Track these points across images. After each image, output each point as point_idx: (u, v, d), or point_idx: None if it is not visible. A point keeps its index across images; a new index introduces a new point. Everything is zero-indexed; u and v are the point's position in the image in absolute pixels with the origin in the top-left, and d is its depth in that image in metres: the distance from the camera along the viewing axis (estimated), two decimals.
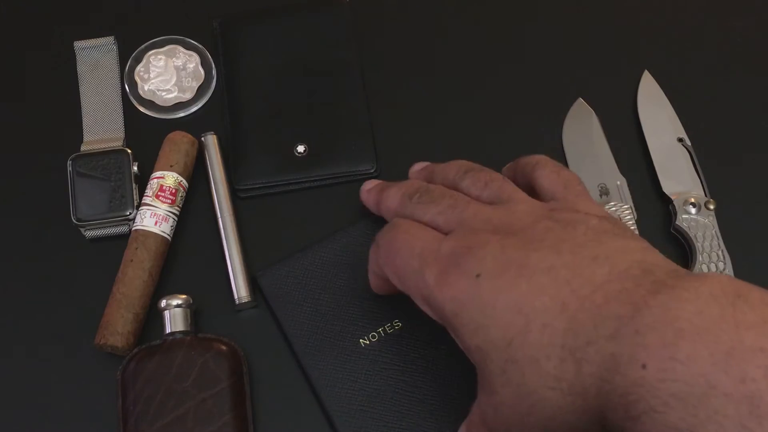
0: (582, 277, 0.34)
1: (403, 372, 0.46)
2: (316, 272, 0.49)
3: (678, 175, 0.52)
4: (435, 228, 0.40)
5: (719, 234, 0.50)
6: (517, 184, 0.43)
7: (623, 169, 0.53)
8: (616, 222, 0.38)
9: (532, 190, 0.43)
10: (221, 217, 0.51)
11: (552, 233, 0.36)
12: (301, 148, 0.53)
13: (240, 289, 0.49)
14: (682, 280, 0.32)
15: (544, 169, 0.42)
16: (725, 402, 0.29)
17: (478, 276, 0.36)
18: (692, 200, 0.51)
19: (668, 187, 0.52)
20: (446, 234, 0.39)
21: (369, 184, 0.49)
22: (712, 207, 0.50)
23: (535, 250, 0.36)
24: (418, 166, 0.49)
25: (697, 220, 0.50)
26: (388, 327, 0.47)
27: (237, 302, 0.49)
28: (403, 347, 0.47)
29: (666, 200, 0.52)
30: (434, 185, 0.43)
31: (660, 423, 0.30)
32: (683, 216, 0.50)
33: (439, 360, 0.46)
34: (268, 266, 0.49)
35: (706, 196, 0.51)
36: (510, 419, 0.36)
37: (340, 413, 0.45)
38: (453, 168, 0.44)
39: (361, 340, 0.47)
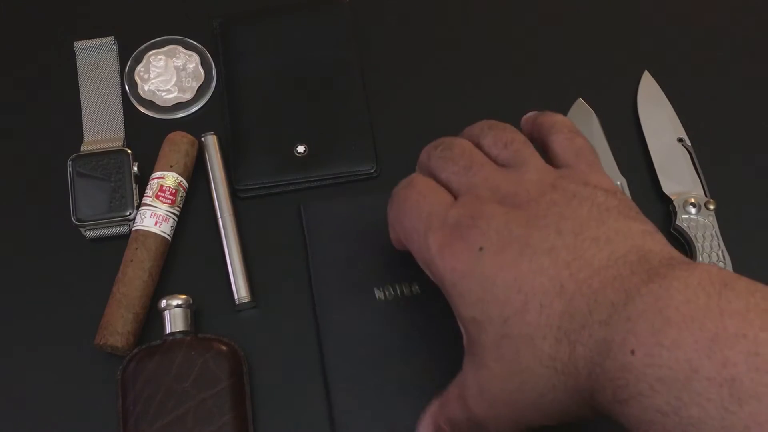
0: (581, 260, 0.35)
1: (408, 337, 0.47)
2: (358, 219, 0.50)
3: (678, 175, 0.52)
4: (447, 188, 0.41)
5: (719, 234, 0.50)
6: (533, 140, 0.43)
7: (623, 169, 0.53)
8: (623, 198, 0.38)
9: (546, 151, 0.42)
10: (221, 217, 0.51)
11: (556, 208, 0.37)
12: (301, 148, 0.53)
13: (240, 289, 0.49)
14: (674, 269, 0.33)
15: (558, 134, 0.42)
16: (707, 385, 0.29)
17: (480, 249, 0.36)
18: (692, 200, 0.51)
19: (668, 187, 0.52)
20: (456, 197, 0.40)
21: None
22: (712, 207, 0.50)
23: (538, 227, 0.36)
24: None
25: (697, 220, 0.50)
26: (406, 288, 0.48)
27: (237, 302, 0.49)
28: (415, 312, 0.47)
29: (666, 200, 0.52)
30: (459, 139, 0.43)
31: (646, 406, 0.31)
32: (683, 216, 0.50)
33: (446, 334, 0.46)
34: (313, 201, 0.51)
35: (706, 196, 0.51)
36: (497, 396, 0.36)
37: (335, 357, 0.46)
38: (479, 124, 0.44)
39: (376, 291, 0.48)
